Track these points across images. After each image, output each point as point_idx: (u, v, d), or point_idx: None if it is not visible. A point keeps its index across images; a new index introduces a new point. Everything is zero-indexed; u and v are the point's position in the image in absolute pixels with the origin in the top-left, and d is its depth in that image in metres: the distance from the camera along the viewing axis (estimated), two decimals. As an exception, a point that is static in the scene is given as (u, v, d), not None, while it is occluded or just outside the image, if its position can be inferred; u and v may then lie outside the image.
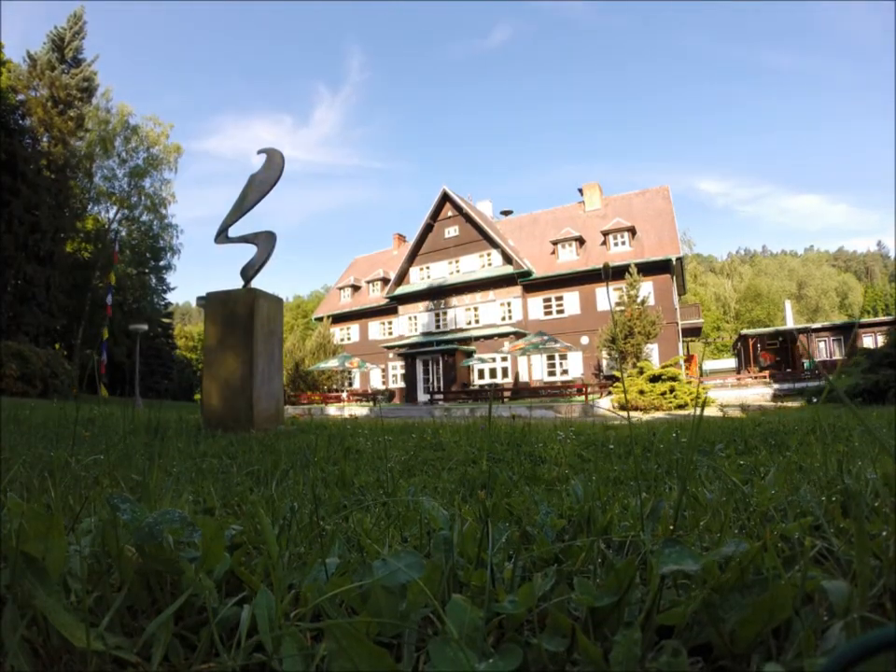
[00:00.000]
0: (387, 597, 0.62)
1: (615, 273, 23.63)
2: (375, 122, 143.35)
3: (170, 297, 44.25)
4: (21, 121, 29.02)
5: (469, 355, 27.60)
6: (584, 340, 25.52)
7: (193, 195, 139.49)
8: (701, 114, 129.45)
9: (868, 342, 27.11)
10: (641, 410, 17.24)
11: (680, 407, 16.96)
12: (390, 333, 33.48)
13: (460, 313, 30.00)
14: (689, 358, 28.01)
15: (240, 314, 5.32)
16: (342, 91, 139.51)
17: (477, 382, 27.78)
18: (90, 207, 36.43)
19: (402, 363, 30.65)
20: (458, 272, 30.41)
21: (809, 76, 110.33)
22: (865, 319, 32.52)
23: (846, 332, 29.71)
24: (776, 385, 21.06)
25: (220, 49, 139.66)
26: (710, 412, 9.76)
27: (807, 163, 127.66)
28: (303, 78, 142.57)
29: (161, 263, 40.75)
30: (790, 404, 13.33)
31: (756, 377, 25.69)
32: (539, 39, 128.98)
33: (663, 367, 18.93)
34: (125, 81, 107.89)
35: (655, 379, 18.23)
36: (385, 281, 33.94)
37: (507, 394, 23.14)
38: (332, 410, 21.81)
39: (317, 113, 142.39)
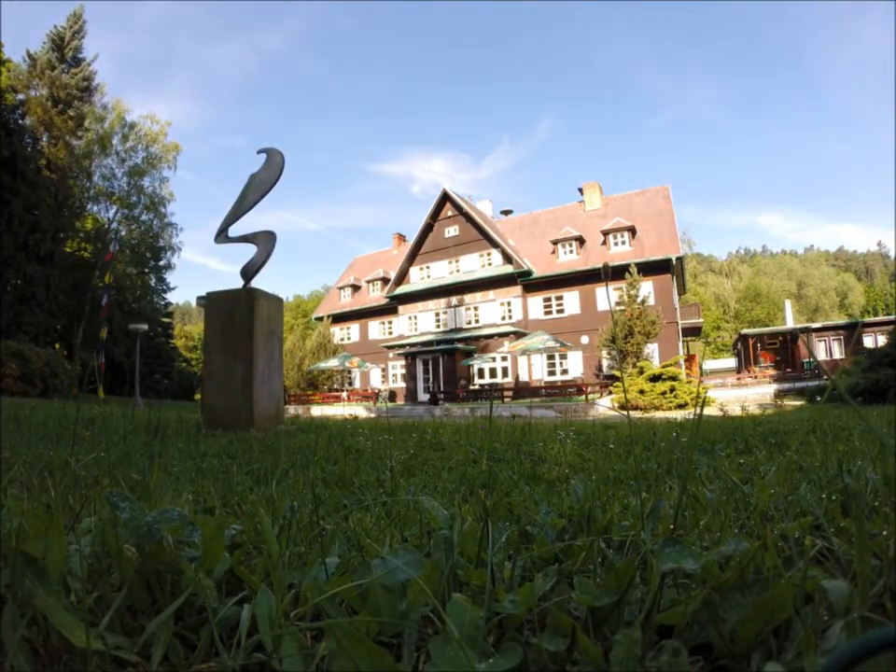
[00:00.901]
0: (387, 596, 0.62)
1: (615, 273, 23.63)
2: (532, 173, 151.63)
3: (170, 297, 44.28)
4: (20, 121, 29.00)
5: (470, 354, 27.60)
6: (584, 339, 25.52)
7: (351, 210, 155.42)
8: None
9: (868, 341, 27.10)
10: (641, 409, 17.25)
11: (681, 406, 16.97)
12: (390, 333, 33.47)
13: (460, 312, 29.99)
14: (689, 358, 28.01)
15: (240, 313, 5.32)
16: (521, 144, 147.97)
17: (477, 381, 27.80)
18: (89, 207, 36.42)
19: (403, 363, 30.66)
20: (458, 271, 30.39)
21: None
22: (865, 319, 32.49)
23: (846, 332, 29.71)
24: (776, 385, 21.06)
25: (435, 91, 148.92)
26: (710, 411, 9.76)
27: (849, 196, 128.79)
28: (495, 130, 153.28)
29: (161, 263, 40.78)
30: (790, 403, 13.32)
31: (757, 377, 25.70)
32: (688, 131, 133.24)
33: (663, 366, 18.95)
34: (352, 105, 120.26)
35: (655, 379, 18.25)
36: (385, 281, 33.94)
37: (507, 394, 23.13)
38: (329, 410, 21.81)
39: (489, 159, 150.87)
